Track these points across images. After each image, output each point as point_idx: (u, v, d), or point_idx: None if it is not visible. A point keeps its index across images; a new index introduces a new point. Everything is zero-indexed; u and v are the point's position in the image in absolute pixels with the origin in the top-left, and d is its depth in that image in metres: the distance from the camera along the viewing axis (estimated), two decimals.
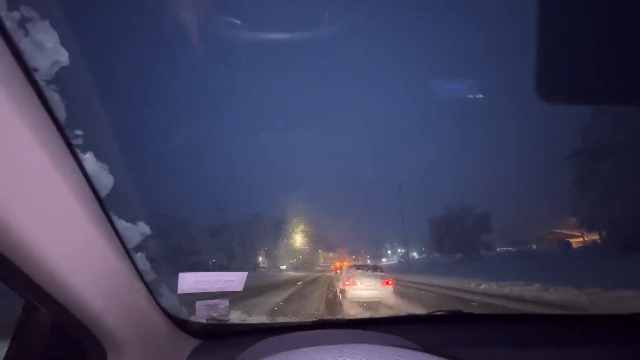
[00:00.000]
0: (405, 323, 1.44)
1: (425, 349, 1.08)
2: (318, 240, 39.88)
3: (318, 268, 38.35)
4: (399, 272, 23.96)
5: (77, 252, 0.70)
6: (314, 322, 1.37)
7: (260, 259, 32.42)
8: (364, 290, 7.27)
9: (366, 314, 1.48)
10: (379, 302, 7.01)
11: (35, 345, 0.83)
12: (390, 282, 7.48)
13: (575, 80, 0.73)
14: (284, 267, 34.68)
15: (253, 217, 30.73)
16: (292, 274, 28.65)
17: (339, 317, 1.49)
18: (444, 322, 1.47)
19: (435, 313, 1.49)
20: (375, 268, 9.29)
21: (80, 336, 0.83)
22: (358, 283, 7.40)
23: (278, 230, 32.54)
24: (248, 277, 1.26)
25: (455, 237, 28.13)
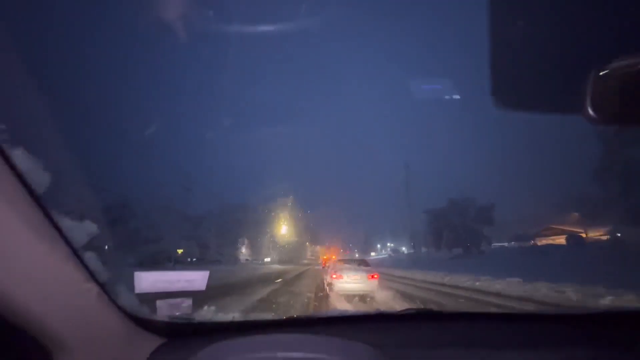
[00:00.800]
0: (374, 321, 1.44)
1: (390, 349, 1.08)
2: (305, 233, 38.54)
3: (305, 261, 37.26)
4: (403, 267, 21.36)
5: (11, 257, 0.66)
6: (282, 320, 1.36)
7: (244, 250, 30.21)
8: (350, 284, 7.51)
9: (336, 312, 1.47)
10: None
11: None
12: (375, 276, 7.75)
13: (526, 87, 0.73)
14: (268, 259, 32.54)
15: (235, 205, 28.19)
16: (276, 267, 26.46)
17: (309, 315, 1.48)
18: (414, 320, 1.47)
19: (406, 312, 1.49)
20: (361, 262, 9.66)
21: (21, 340, 0.80)
22: (345, 276, 7.61)
23: (263, 220, 30.04)
24: (218, 271, 1.20)
25: (455, 230, 26.06)
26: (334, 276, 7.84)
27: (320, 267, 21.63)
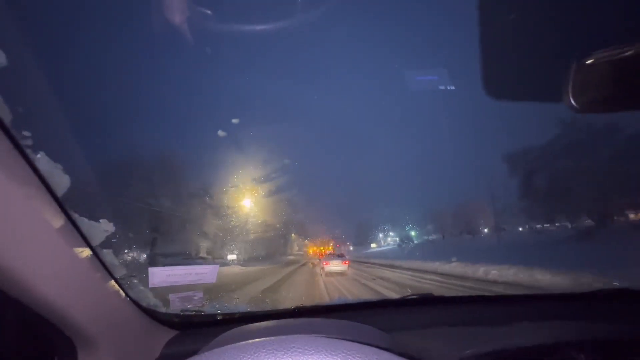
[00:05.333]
0: (378, 308, 1.54)
1: (393, 332, 1.17)
2: (290, 222, 27.84)
3: (291, 257, 28.18)
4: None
5: (36, 253, 0.71)
6: (290, 310, 1.43)
7: (202, 245, 17.31)
8: (333, 267, 13.34)
9: (340, 301, 1.57)
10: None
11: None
12: (346, 262, 13.93)
13: (514, 77, 0.81)
14: (232, 257, 18.83)
15: (158, 163, 14.70)
16: (235, 270, 14.74)
17: (316, 304, 1.57)
18: (415, 305, 1.57)
19: (408, 297, 1.59)
20: (340, 255, 16.75)
21: (47, 333, 0.85)
22: (330, 263, 13.56)
23: (220, 199, 17.33)
24: None
25: (577, 184, 13.07)
26: (324, 264, 13.69)
27: (317, 261, 20.83)
